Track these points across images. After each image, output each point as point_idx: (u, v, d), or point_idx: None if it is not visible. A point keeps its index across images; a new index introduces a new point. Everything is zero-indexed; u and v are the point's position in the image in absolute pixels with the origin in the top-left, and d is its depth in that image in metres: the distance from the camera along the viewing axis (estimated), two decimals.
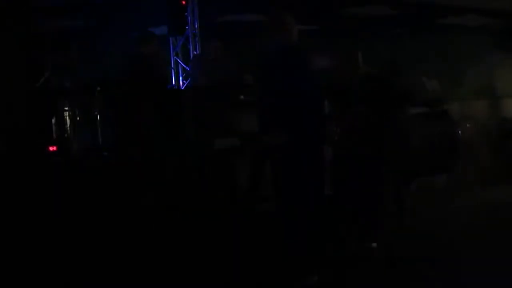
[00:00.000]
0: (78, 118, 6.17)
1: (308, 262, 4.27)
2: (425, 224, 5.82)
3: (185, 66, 8.45)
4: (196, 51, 8.29)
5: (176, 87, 8.42)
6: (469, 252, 4.82)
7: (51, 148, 5.94)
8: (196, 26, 8.34)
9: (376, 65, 5.56)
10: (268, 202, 5.33)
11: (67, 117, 6.14)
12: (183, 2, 8.20)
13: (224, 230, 5.40)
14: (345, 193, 5.15)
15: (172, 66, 8.60)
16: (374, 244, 4.95)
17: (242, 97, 6.85)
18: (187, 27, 8.33)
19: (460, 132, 7.57)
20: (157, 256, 4.80)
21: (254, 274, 4.52)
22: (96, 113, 6.28)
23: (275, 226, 4.60)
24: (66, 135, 6.10)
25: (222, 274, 4.52)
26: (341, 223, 5.11)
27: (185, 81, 8.51)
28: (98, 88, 6.30)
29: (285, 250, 4.36)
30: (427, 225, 5.77)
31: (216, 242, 5.12)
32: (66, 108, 6.14)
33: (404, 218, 5.75)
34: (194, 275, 4.51)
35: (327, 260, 4.52)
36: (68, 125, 6.12)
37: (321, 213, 4.46)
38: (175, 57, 8.62)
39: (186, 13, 8.30)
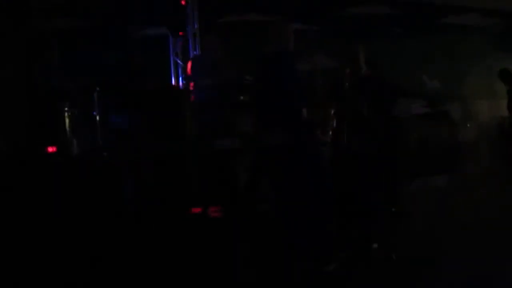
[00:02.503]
0: (77, 119, 6.16)
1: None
2: (425, 224, 5.81)
3: (185, 67, 8.43)
4: (196, 52, 8.27)
5: (176, 87, 8.41)
6: (469, 252, 4.81)
7: (50, 149, 5.93)
8: (196, 26, 8.33)
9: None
10: (268, 202, 5.33)
11: (67, 118, 6.13)
12: (183, 2, 8.19)
13: (224, 230, 5.39)
14: (345, 193, 5.15)
15: (172, 66, 8.59)
16: (375, 245, 4.95)
17: (242, 97, 6.85)
18: (187, 27, 8.33)
19: (460, 132, 7.58)
20: (158, 256, 4.79)
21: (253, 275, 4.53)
22: (95, 113, 6.29)
23: (275, 226, 4.62)
24: (65, 135, 6.10)
25: (222, 274, 4.52)
26: (341, 223, 5.11)
27: (184, 82, 8.49)
28: (98, 89, 6.30)
29: (286, 249, 4.39)
30: (427, 225, 5.76)
31: (216, 242, 5.11)
32: (66, 109, 6.13)
33: (404, 218, 5.75)
34: (195, 275, 4.50)
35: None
36: (67, 126, 6.11)
37: (327, 210, 4.53)
38: (174, 58, 8.60)
39: (186, 13, 8.29)
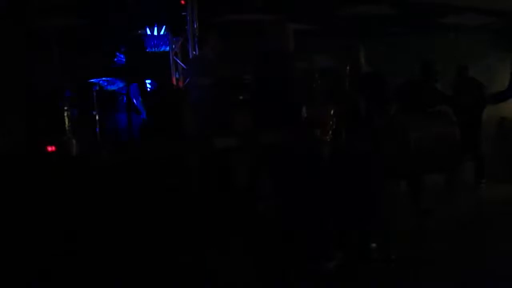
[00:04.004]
0: (77, 118, 6.18)
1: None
2: (425, 223, 5.81)
3: (184, 66, 8.44)
4: (195, 51, 8.28)
5: (175, 86, 8.42)
6: (469, 251, 4.82)
7: (50, 148, 5.93)
8: (195, 25, 8.33)
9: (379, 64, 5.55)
10: (267, 201, 5.34)
11: (66, 117, 6.14)
12: (182, 2, 8.19)
13: (224, 230, 5.40)
14: (343, 192, 5.15)
15: (171, 65, 8.59)
16: (374, 245, 4.94)
17: (241, 96, 6.85)
18: (186, 27, 8.33)
19: (459, 131, 7.56)
20: (158, 256, 4.79)
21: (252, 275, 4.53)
22: (94, 113, 6.30)
23: (274, 226, 4.63)
24: (65, 135, 6.11)
25: (222, 274, 4.52)
26: (341, 222, 5.11)
27: (184, 81, 8.49)
28: (97, 88, 6.31)
29: (285, 248, 4.41)
30: (427, 225, 5.77)
31: (216, 241, 5.12)
32: (65, 108, 6.14)
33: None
34: (195, 275, 4.51)
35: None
36: (67, 125, 6.12)
37: (326, 209, 4.55)
38: (174, 57, 8.60)
39: (185, 13, 8.30)
